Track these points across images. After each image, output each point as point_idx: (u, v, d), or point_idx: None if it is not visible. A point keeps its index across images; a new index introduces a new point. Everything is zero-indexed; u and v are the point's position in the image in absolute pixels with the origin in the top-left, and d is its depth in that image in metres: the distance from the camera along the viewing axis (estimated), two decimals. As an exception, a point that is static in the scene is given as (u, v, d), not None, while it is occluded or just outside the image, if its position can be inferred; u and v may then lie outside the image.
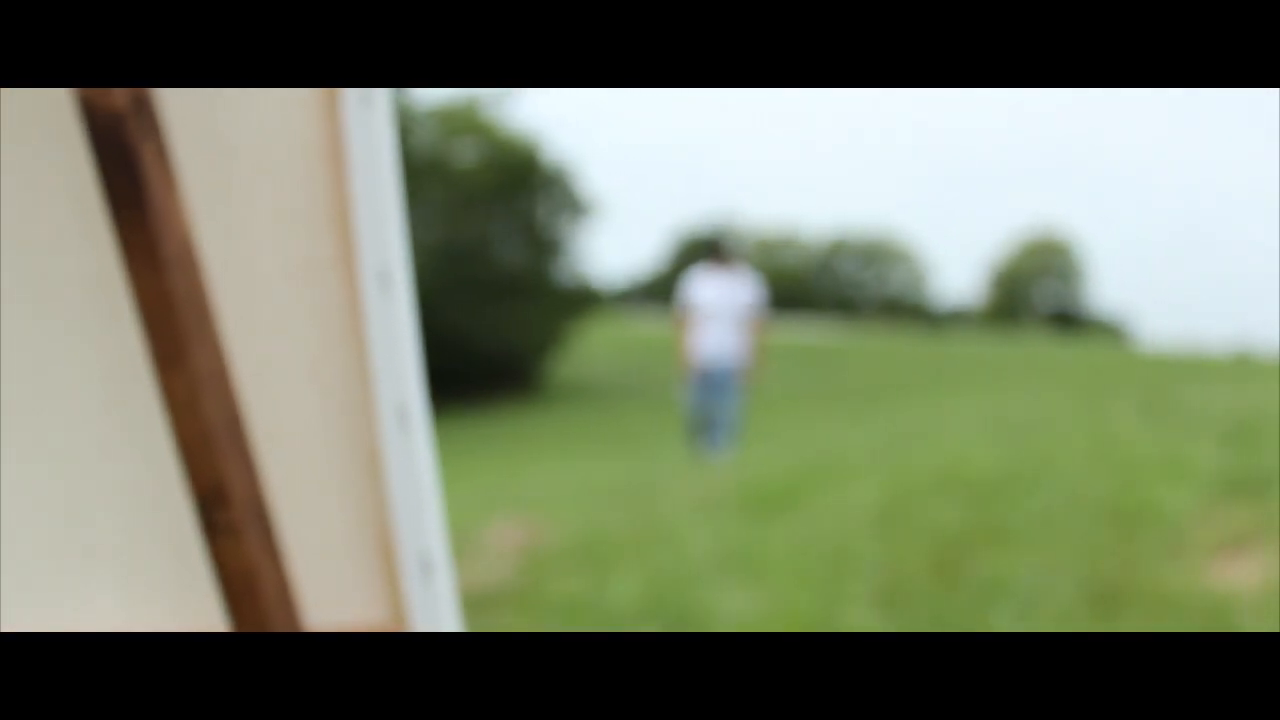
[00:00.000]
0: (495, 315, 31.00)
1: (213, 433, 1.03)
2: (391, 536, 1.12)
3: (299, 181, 1.09)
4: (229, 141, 1.09)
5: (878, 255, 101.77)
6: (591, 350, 35.33)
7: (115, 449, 1.14)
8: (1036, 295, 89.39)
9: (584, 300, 34.92)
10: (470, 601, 4.43)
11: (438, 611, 1.11)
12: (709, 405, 10.08)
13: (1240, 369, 26.76)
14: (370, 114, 1.06)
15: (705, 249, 11.33)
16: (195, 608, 1.16)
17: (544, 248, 33.96)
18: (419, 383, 1.10)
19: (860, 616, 4.00)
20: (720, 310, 10.01)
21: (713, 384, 10.01)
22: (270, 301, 1.11)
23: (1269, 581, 3.73)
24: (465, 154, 33.19)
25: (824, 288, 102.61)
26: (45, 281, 1.10)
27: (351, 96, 1.05)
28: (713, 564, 4.81)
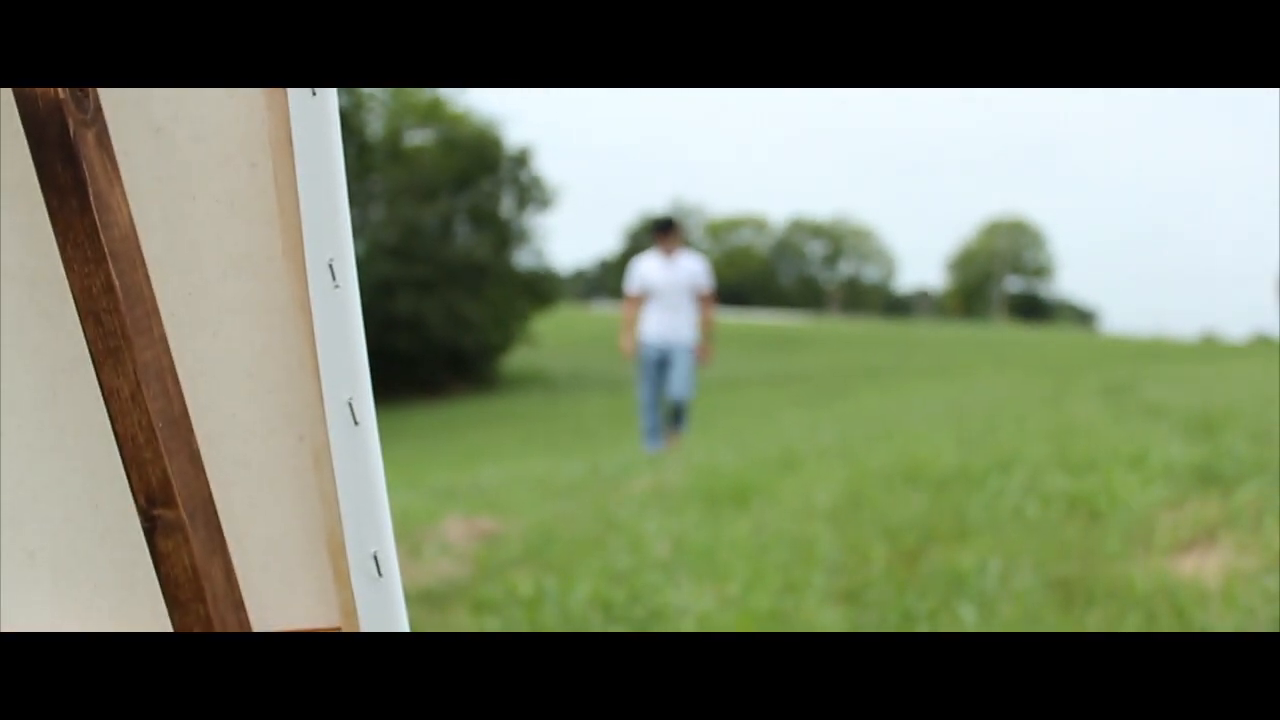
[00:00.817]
0: (453, 303, 30.90)
1: (155, 429, 1.00)
2: (340, 537, 1.08)
3: (242, 172, 1.06)
4: (169, 131, 1.06)
5: (838, 235, 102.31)
6: (550, 339, 35.27)
7: (53, 447, 1.11)
8: (1002, 281, 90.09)
9: (543, 289, 34.88)
10: (425, 599, 4.39)
11: (388, 614, 1.08)
12: (661, 386, 10.00)
13: (1206, 352, 27.04)
14: (317, 104, 1.03)
15: (653, 228, 10.73)
16: (138, 610, 1.13)
17: (504, 236, 33.88)
18: (367, 379, 1.07)
19: (820, 612, 3.98)
20: (668, 291, 9.91)
21: (664, 364, 9.93)
22: (213, 295, 1.08)
23: (1232, 575, 3.74)
24: (424, 140, 33.07)
25: (785, 270, 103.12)
26: None
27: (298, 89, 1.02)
28: (671, 559, 4.79)
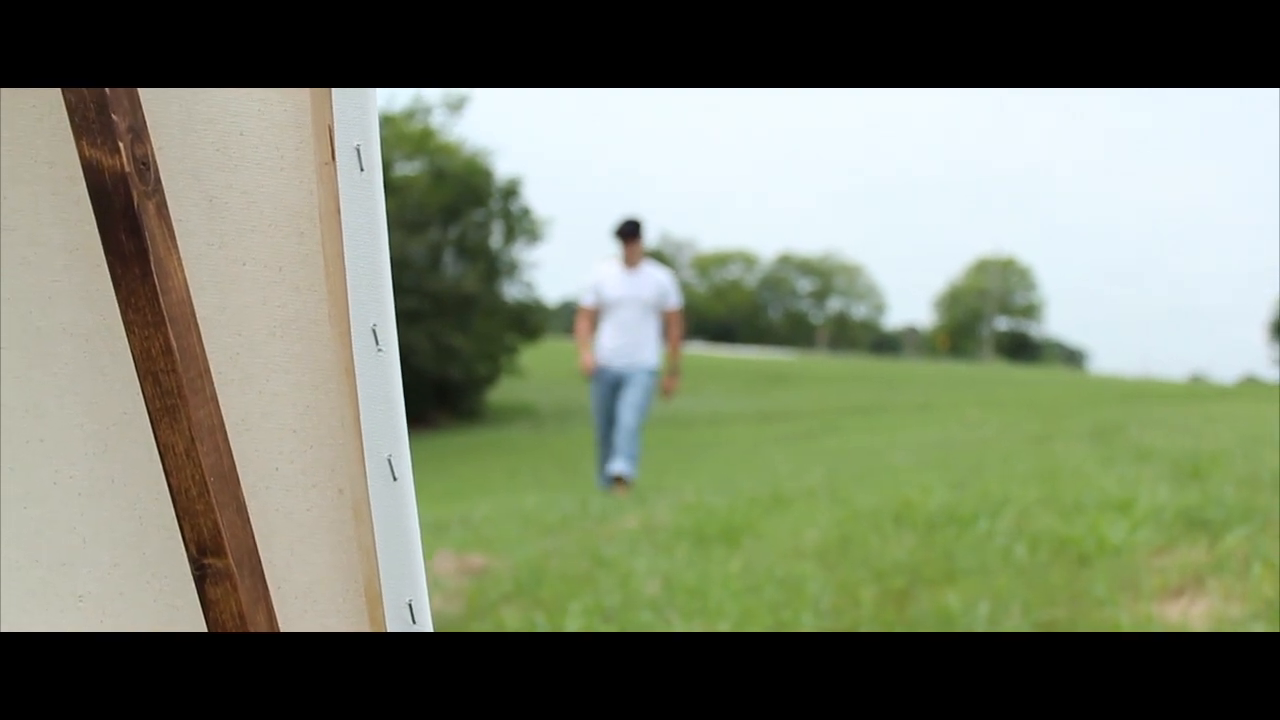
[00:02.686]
0: (440, 334, 30.93)
1: (208, 483, 1.05)
2: (377, 586, 1.14)
3: (290, 240, 1.11)
4: (222, 201, 1.11)
5: (826, 271, 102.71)
6: (537, 372, 35.31)
7: (104, 496, 1.16)
8: (990, 319, 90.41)
9: (531, 321, 34.95)
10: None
11: (421, 660, 1.12)
12: (610, 412, 8.91)
13: (1194, 393, 27.15)
14: (365, 179, 1.08)
15: (615, 232, 8.95)
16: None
17: (493, 267, 33.94)
18: (405, 437, 1.13)
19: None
20: (628, 306, 8.77)
21: (618, 386, 8.83)
22: (260, 355, 1.13)
23: (1219, 622, 3.79)
24: (414, 171, 33.15)
25: (773, 306, 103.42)
26: (38, 335, 1.12)
27: (346, 160, 1.08)
28: (661, 598, 4.83)
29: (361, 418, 1.10)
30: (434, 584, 5.22)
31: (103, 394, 1.14)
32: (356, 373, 1.10)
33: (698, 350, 72.96)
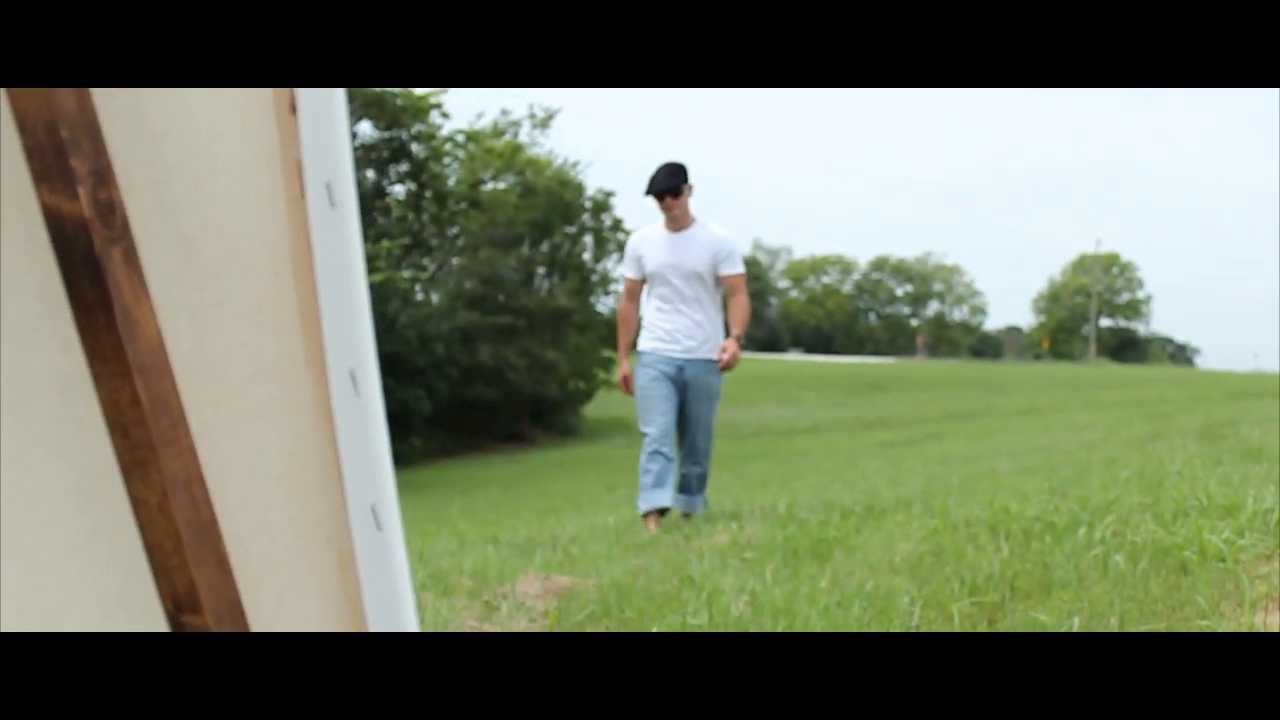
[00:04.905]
0: (534, 350, 31.08)
1: (183, 537, 1.01)
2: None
3: (267, 281, 1.07)
4: (197, 242, 1.08)
5: (923, 274, 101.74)
6: (634, 387, 35.25)
7: (86, 551, 1.12)
8: (1093, 318, 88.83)
9: (627, 336, 34.89)
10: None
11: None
12: (671, 419, 6.77)
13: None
14: (336, 215, 1.04)
15: (650, 186, 6.74)
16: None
17: (585, 281, 34.06)
18: (391, 483, 1.08)
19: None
20: (678, 278, 6.69)
21: (673, 385, 6.73)
22: (241, 401, 1.09)
23: (1320, 634, 3.62)
24: (504, 187, 33.37)
25: (870, 312, 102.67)
26: (16, 384, 1.09)
27: (317, 197, 1.03)
28: (746, 617, 4.75)
29: (343, 466, 1.05)
30: (517, 606, 5.19)
31: (83, 445, 1.11)
32: (335, 420, 1.05)
33: (794, 358, 72.55)
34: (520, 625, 4.95)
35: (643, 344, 6.85)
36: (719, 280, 6.79)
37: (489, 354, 30.47)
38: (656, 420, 6.76)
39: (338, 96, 0.99)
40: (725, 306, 7.01)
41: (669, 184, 6.66)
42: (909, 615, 4.56)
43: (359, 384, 1.05)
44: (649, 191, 6.75)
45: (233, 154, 1.05)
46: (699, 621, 4.66)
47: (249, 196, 1.05)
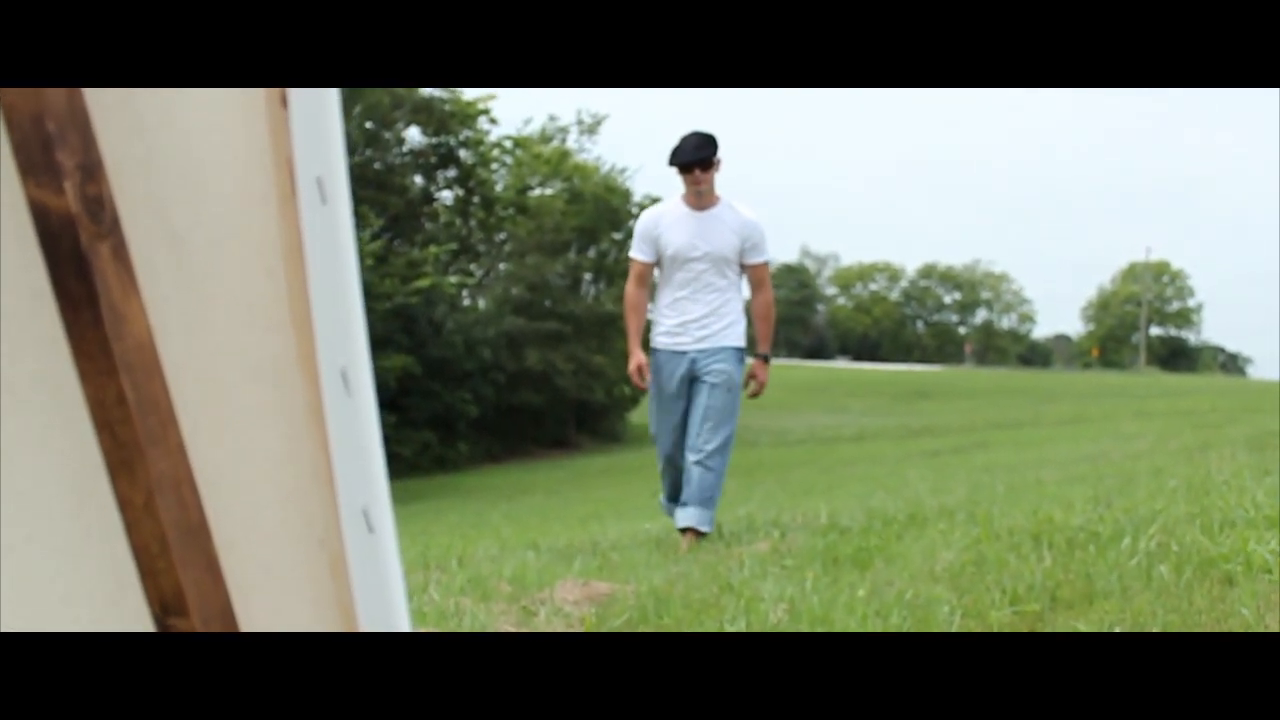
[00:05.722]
0: (581, 356, 31.13)
1: (169, 540, 0.99)
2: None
3: (259, 279, 1.05)
4: (188, 238, 1.06)
5: (971, 282, 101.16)
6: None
7: (79, 552, 1.11)
8: (1144, 327, 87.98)
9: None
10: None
11: None
12: (679, 431, 6.10)
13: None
14: (328, 211, 1.02)
15: (673, 156, 5.90)
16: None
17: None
18: (383, 486, 1.06)
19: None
20: (700, 263, 5.91)
21: (684, 389, 6.02)
22: (233, 402, 1.07)
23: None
24: (551, 193, 33.47)
25: (918, 319, 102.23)
26: (10, 382, 1.08)
27: (308, 193, 1.02)
28: (785, 624, 4.71)
29: (334, 468, 1.03)
30: (555, 612, 5.18)
31: (75, 445, 1.09)
32: (327, 420, 1.03)
33: (841, 365, 72.23)
34: (557, 630, 4.94)
35: (654, 339, 6.15)
36: (743, 269, 6.06)
37: (535, 359, 30.56)
38: (662, 441, 6.26)
39: (329, 90, 0.98)
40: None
41: (699, 155, 5.85)
42: (948, 624, 4.51)
43: (350, 384, 1.03)
44: (674, 162, 5.89)
45: (224, 148, 1.03)
46: (736, 628, 4.63)
47: (240, 192, 1.04)
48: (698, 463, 5.95)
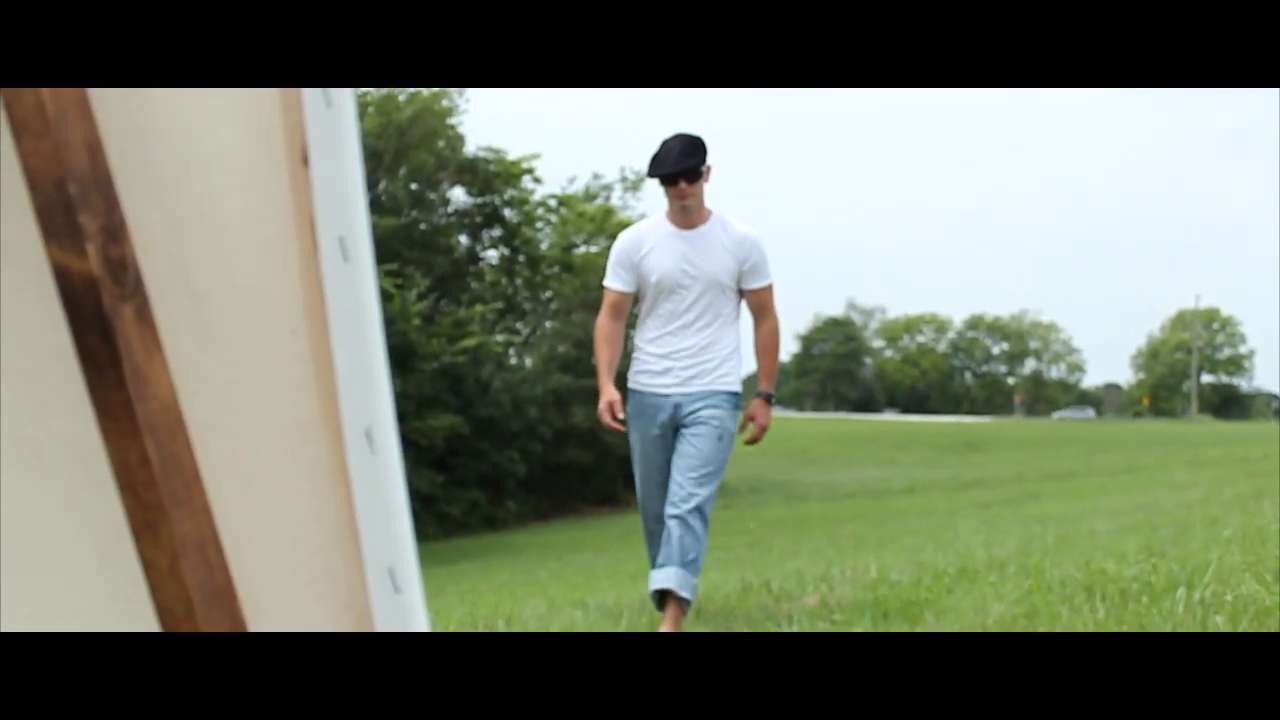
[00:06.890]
0: (629, 413, 31.00)
1: (194, 602, 0.99)
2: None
3: (283, 338, 1.05)
4: (211, 298, 1.06)
5: (1019, 332, 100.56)
6: (727, 448, 35.12)
7: (105, 613, 1.11)
8: (1194, 375, 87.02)
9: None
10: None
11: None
12: (663, 475, 5.12)
13: None
14: (350, 269, 1.02)
15: (652, 164, 4.88)
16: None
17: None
18: (410, 545, 1.05)
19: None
20: (688, 288, 4.96)
21: (670, 432, 5.09)
22: (257, 461, 1.07)
23: None
24: (596, 250, 33.61)
25: (965, 370, 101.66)
26: (35, 443, 1.08)
27: (330, 252, 1.02)
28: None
29: (360, 527, 1.02)
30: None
31: (100, 506, 1.09)
32: (351, 480, 1.02)
33: (890, 418, 71.79)
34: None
35: (632, 380, 5.27)
36: (742, 294, 5.12)
37: (582, 417, 30.53)
38: (648, 503, 5.40)
39: (350, 148, 0.98)
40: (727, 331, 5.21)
41: (685, 164, 4.82)
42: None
43: (375, 443, 1.02)
44: (654, 173, 4.88)
45: (246, 208, 1.03)
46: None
47: (262, 252, 1.04)
48: (676, 518, 4.90)
